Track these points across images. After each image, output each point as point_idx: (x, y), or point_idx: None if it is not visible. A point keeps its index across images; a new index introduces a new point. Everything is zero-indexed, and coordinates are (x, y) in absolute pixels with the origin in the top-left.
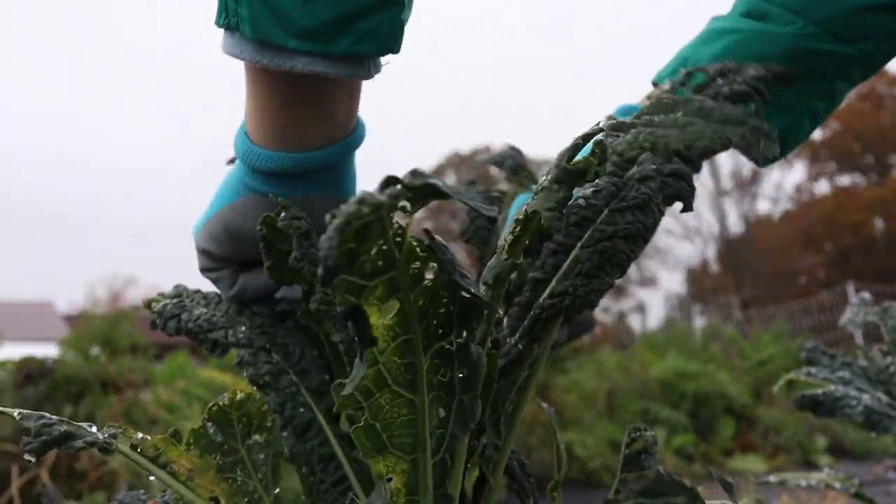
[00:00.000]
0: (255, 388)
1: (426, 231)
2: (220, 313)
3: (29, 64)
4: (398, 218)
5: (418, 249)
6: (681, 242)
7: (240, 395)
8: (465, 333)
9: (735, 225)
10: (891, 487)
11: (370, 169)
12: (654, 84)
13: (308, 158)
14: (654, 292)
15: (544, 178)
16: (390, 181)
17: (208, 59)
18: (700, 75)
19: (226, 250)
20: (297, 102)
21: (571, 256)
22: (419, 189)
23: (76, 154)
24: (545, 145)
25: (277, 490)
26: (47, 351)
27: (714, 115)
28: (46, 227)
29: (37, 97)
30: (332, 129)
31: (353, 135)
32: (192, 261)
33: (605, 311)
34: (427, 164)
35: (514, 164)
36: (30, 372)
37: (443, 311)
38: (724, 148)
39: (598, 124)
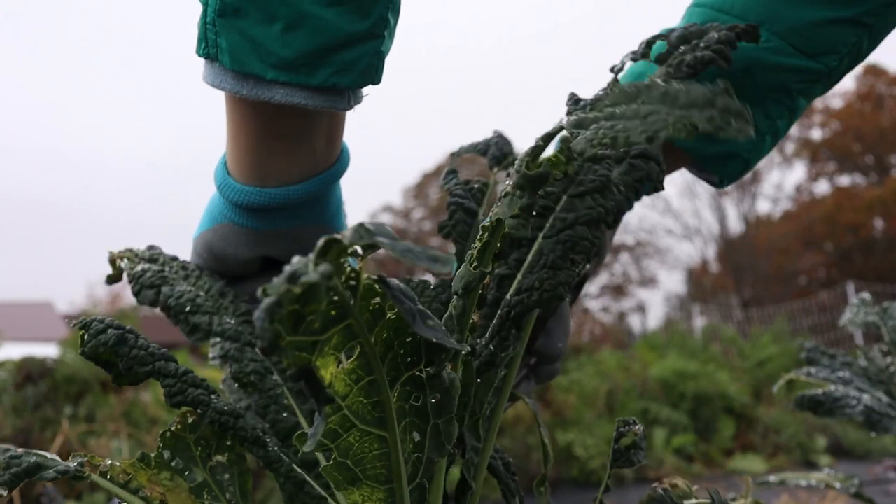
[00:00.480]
0: (237, 384)
1: (381, 277)
2: (203, 293)
3: (29, 62)
4: (352, 262)
5: (376, 287)
6: (681, 242)
7: (191, 419)
8: (435, 363)
9: (735, 225)
10: (890, 487)
11: (373, 167)
12: None
13: (282, 194)
14: (654, 292)
15: (508, 182)
16: (328, 247)
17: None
18: (662, 44)
19: (213, 267)
20: (275, 135)
21: (534, 248)
22: (364, 249)
23: (76, 154)
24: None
25: None
26: (47, 351)
27: (679, 99)
28: (46, 227)
29: (37, 97)
30: (311, 162)
31: (334, 166)
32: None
33: (604, 311)
34: (427, 163)
35: (499, 153)
36: (30, 372)
37: (409, 340)
38: (690, 135)
39: (560, 121)
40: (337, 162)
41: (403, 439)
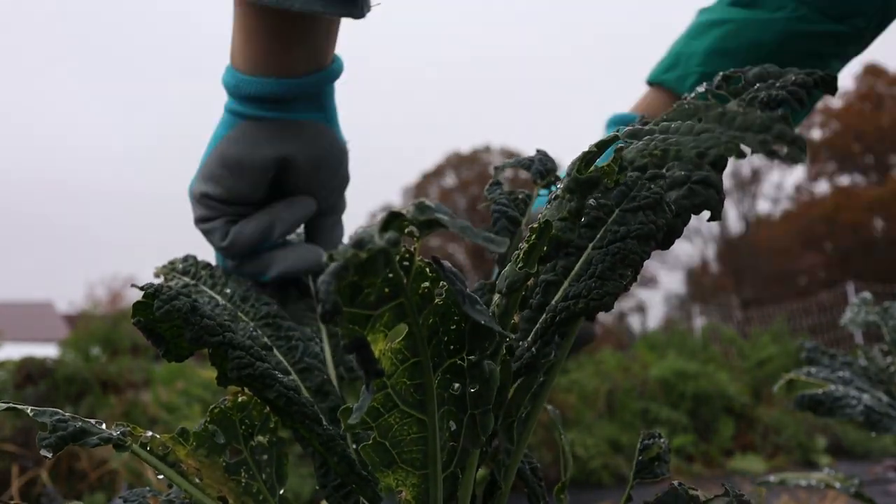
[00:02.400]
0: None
1: (434, 258)
2: (224, 299)
3: (30, 64)
4: (406, 243)
5: (427, 270)
6: (681, 242)
7: (241, 398)
8: (477, 352)
9: (735, 225)
10: (890, 487)
11: (380, 163)
12: (650, 83)
13: (292, 83)
14: (654, 292)
15: (558, 186)
16: (392, 219)
17: (205, 71)
18: (738, 79)
19: (226, 187)
20: (285, 36)
21: (583, 258)
22: (423, 224)
23: (76, 154)
24: (546, 144)
25: (283, 491)
26: (47, 351)
27: (736, 121)
28: (47, 228)
29: (35, 96)
30: (314, 60)
31: (332, 66)
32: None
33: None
34: (427, 164)
35: (542, 169)
36: (30, 372)
37: (454, 328)
38: (741, 156)
39: (616, 131)
40: (334, 63)
41: (441, 426)
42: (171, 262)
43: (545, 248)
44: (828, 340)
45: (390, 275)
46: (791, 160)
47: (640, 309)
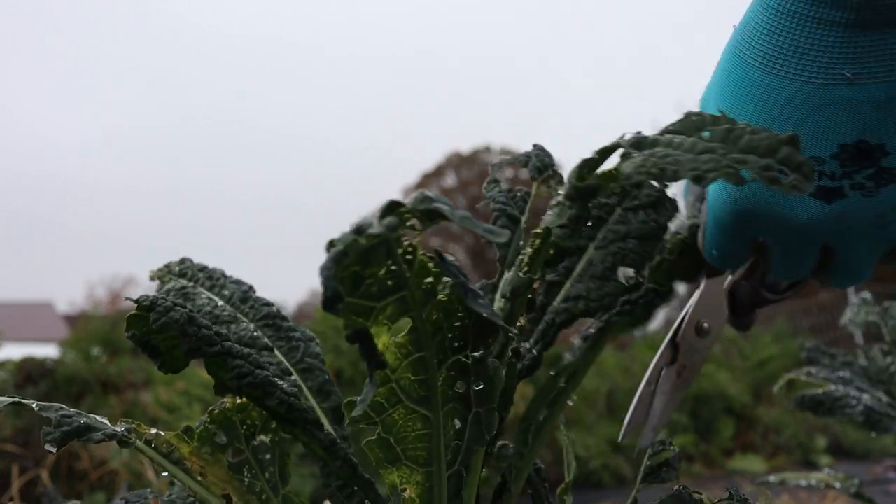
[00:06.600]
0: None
1: (437, 252)
2: (223, 301)
3: (30, 67)
4: (409, 235)
5: (430, 265)
6: None
7: (240, 400)
8: (481, 348)
9: None
10: (890, 487)
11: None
12: None
13: None
14: None
15: (560, 192)
16: (392, 207)
17: (194, 65)
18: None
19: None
20: None
21: (585, 258)
22: (423, 213)
23: (76, 153)
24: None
25: (285, 490)
26: (47, 351)
27: (741, 140)
28: (47, 229)
29: (34, 97)
30: None
31: None
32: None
33: None
34: (427, 164)
35: (540, 165)
36: (30, 372)
37: (458, 324)
38: (740, 182)
39: (621, 137)
40: None
41: (445, 424)
42: (167, 265)
43: (550, 253)
44: (828, 340)
45: (393, 267)
46: (794, 189)
47: None
